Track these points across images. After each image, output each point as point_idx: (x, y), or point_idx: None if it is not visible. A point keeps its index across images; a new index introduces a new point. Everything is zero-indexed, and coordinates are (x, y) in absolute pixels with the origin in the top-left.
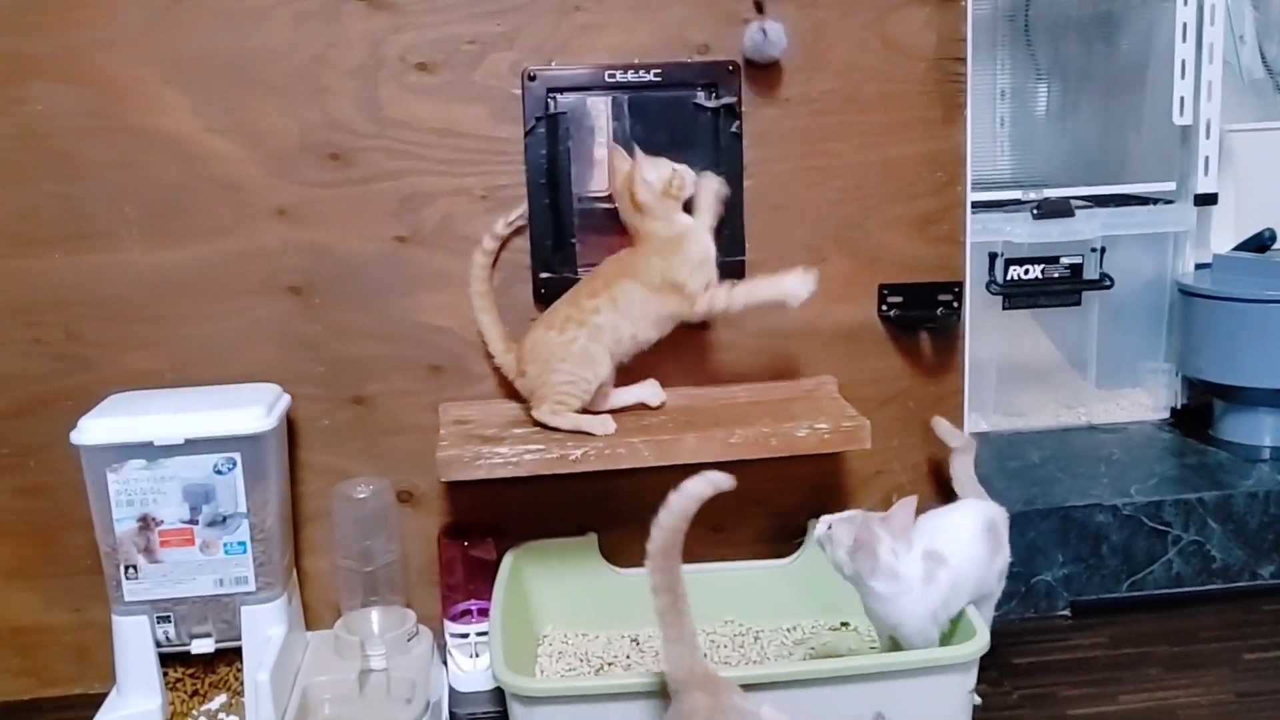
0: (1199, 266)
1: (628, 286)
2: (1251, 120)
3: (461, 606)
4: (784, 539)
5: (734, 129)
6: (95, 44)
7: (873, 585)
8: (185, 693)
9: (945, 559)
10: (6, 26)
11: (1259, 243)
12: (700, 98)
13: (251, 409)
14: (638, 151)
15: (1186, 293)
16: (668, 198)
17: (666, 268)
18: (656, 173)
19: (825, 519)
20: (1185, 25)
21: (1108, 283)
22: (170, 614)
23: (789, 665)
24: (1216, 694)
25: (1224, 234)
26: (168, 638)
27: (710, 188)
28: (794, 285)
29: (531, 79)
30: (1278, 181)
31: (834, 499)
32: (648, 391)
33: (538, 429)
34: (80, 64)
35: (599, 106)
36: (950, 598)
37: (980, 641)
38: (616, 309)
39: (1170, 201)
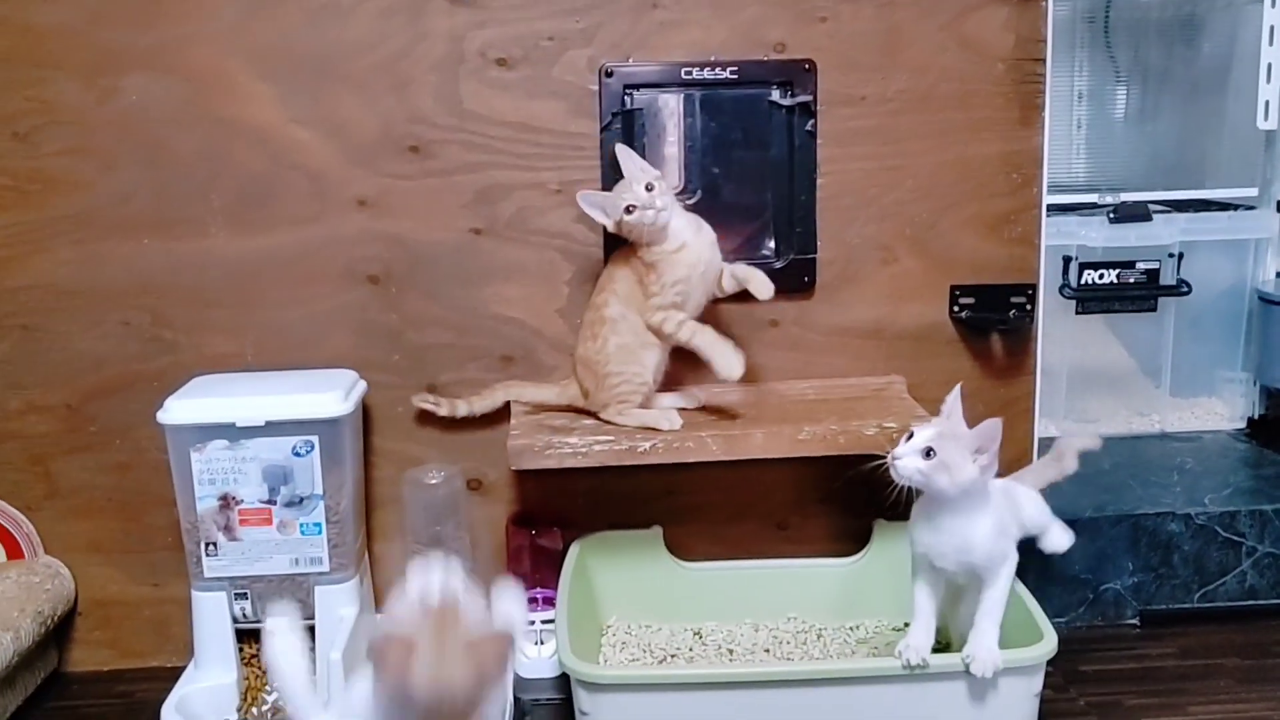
0: None
1: (623, 275)
2: None
3: (529, 595)
4: (849, 538)
5: (809, 127)
6: (188, 38)
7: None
8: (259, 669)
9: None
10: (105, 21)
11: None
12: (775, 95)
13: (330, 394)
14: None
15: (1266, 300)
16: (626, 231)
17: (645, 273)
18: (611, 201)
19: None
20: (1272, 28)
21: (1185, 289)
22: (247, 591)
23: (856, 662)
24: None
25: None
26: (244, 614)
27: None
28: (727, 363)
29: (609, 75)
30: None
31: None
32: (690, 396)
33: (607, 424)
34: (173, 57)
35: (672, 104)
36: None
37: (1049, 644)
38: (620, 299)
39: (1252, 208)
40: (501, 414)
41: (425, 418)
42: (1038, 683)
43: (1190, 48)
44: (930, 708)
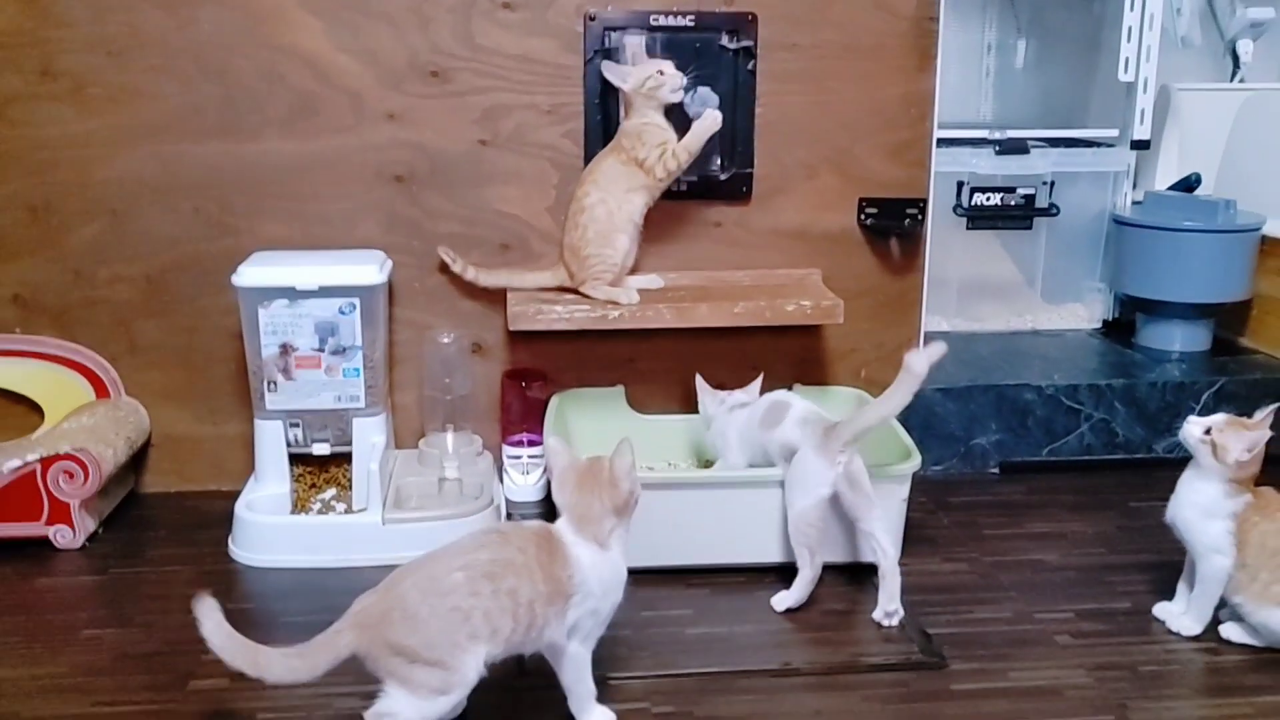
0: (1135, 203)
1: (606, 165)
2: (1198, 81)
3: (517, 436)
4: None
5: (750, 68)
6: None
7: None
8: (306, 485)
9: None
10: None
11: (1187, 184)
12: (724, 40)
13: (367, 266)
14: (643, 55)
15: (1121, 223)
16: (640, 95)
17: (632, 148)
18: (639, 72)
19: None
20: None
21: (1055, 211)
22: (299, 421)
23: (761, 472)
24: (1101, 526)
25: (1167, 177)
26: (296, 440)
27: (712, 117)
28: (713, 119)
29: (592, 19)
30: (1215, 134)
31: (816, 369)
32: (652, 279)
33: (585, 298)
34: None
35: (639, 46)
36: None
37: (915, 461)
38: (599, 187)
39: (1113, 145)
40: (498, 294)
41: (438, 292)
42: (904, 490)
43: (1079, 8)
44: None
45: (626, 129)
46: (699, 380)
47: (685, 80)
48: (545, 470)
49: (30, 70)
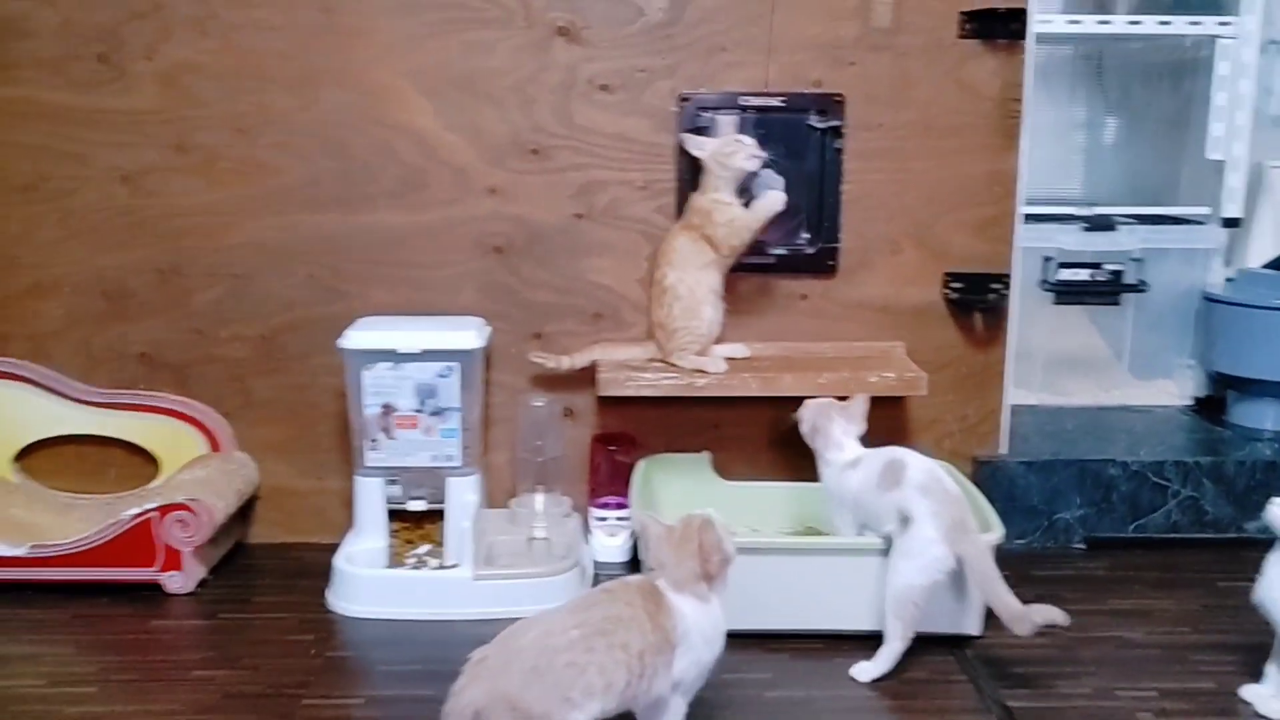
0: (1228, 280)
1: (679, 244)
2: None
3: (604, 499)
4: None
5: (836, 146)
6: (366, 61)
7: (825, 456)
8: (402, 540)
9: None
10: (309, 46)
11: None
12: (812, 120)
13: (467, 332)
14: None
15: (1211, 300)
16: (715, 163)
17: (701, 225)
18: (715, 143)
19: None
20: (1222, 77)
21: (1144, 287)
22: (397, 479)
23: (846, 540)
24: (1187, 604)
25: (1261, 254)
26: (394, 496)
27: (774, 198)
28: (775, 198)
29: (685, 100)
30: None
31: (899, 440)
32: (738, 348)
33: (673, 367)
34: (354, 75)
35: (732, 125)
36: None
37: (998, 532)
38: (675, 266)
39: (1203, 223)
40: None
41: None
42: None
43: (1166, 87)
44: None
45: (696, 205)
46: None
47: (759, 151)
48: (632, 535)
49: (166, 145)
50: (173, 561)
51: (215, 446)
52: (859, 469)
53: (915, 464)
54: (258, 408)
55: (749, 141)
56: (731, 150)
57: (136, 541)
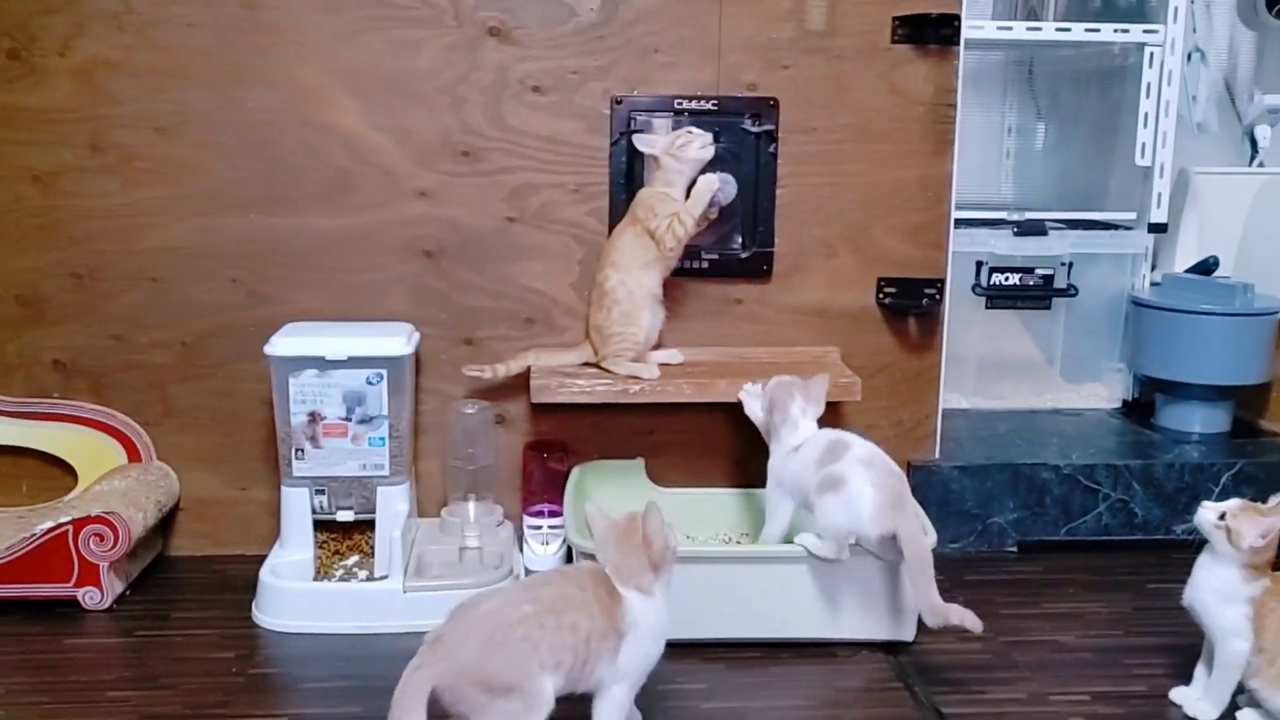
0: (1154, 285)
1: (623, 242)
2: (1217, 165)
3: (538, 507)
4: None
5: (771, 150)
6: (294, 60)
7: (779, 435)
8: (329, 551)
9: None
10: (232, 43)
11: (1205, 267)
12: (747, 124)
13: (395, 339)
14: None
15: (1139, 304)
16: (669, 156)
17: (645, 218)
18: (666, 139)
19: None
20: (1149, 85)
21: (1073, 292)
22: (324, 489)
23: (779, 548)
24: (1118, 607)
25: (1186, 259)
26: (321, 506)
27: (705, 180)
28: (706, 184)
29: (618, 103)
30: (1233, 217)
31: None
32: (672, 354)
33: (607, 372)
34: (282, 74)
35: (666, 127)
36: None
37: (931, 540)
38: (618, 268)
39: (1130, 228)
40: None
41: (464, 363)
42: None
43: (1095, 94)
44: (835, 584)
45: (642, 198)
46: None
47: (710, 139)
48: (565, 540)
49: (80, 144)
50: (89, 577)
51: (134, 456)
52: (802, 449)
53: (859, 443)
54: (179, 416)
55: (700, 132)
56: (684, 142)
57: (51, 556)
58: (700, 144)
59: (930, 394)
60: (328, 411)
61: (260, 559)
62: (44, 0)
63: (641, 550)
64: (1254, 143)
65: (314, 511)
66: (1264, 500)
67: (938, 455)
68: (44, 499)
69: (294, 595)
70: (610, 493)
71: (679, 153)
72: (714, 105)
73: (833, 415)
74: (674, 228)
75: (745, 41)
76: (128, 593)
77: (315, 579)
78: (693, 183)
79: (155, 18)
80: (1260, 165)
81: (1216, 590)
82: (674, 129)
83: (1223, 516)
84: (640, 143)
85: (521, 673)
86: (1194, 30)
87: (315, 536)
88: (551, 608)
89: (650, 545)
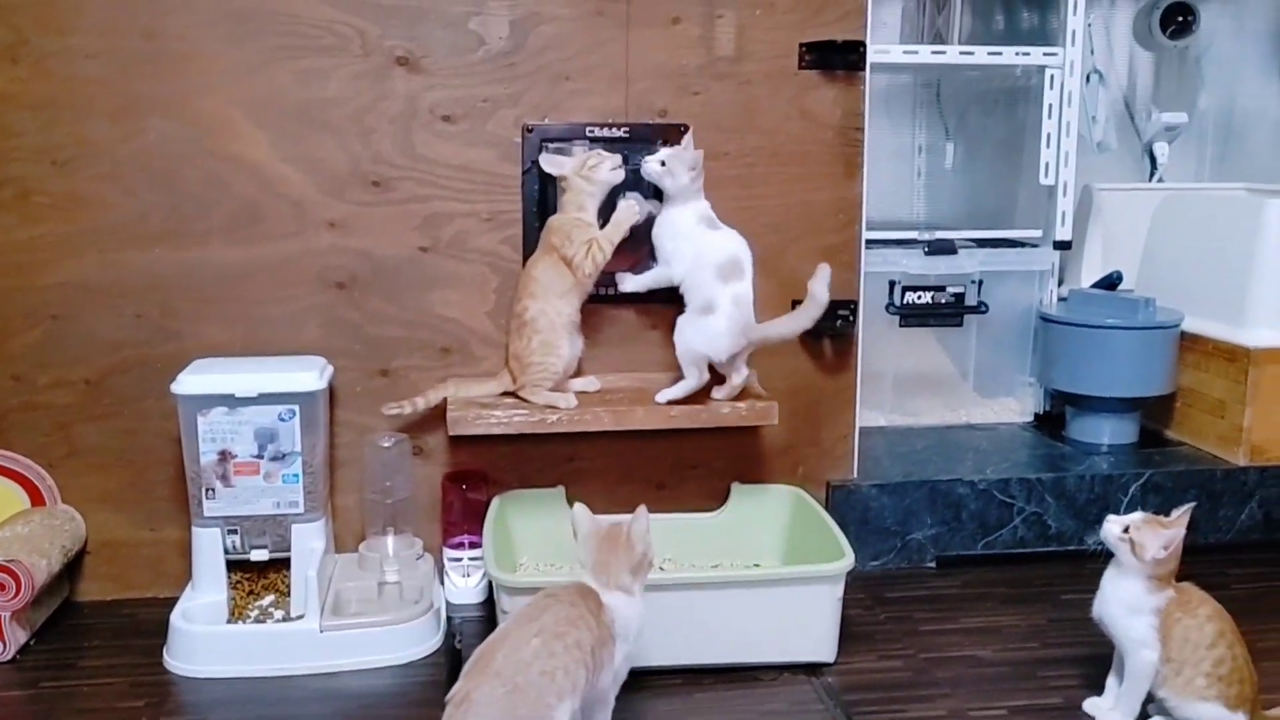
0: (1061, 300)
1: (539, 271)
2: (1119, 181)
3: (458, 539)
4: (712, 497)
5: None
6: (198, 90)
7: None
8: (243, 592)
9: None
10: (132, 74)
11: (1109, 281)
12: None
13: (308, 373)
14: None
15: (1047, 320)
16: (579, 178)
17: (561, 246)
18: (577, 157)
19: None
20: (1050, 105)
21: (984, 309)
22: (237, 528)
23: (699, 574)
24: (1034, 619)
25: (1092, 274)
26: (234, 546)
27: (625, 207)
28: (626, 209)
29: (529, 131)
30: (1135, 232)
31: (753, 466)
32: (589, 382)
33: (525, 402)
34: (185, 105)
35: (579, 153)
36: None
37: (848, 560)
38: (536, 298)
39: (1036, 245)
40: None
41: (379, 395)
42: (839, 589)
43: (1002, 114)
44: (756, 608)
45: (555, 225)
46: None
47: (620, 161)
48: (485, 573)
49: None
50: None
51: (37, 500)
52: (721, 232)
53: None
54: (84, 456)
55: (610, 155)
56: (595, 163)
57: None
58: (611, 165)
59: (847, 414)
60: (239, 449)
61: (172, 601)
62: None
63: (624, 553)
64: (1153, 159)
65: (227, 552)
66: (1170, 510)
67: (856, 474)
68: None
69: (206, 639)
70: (531, 522)
71: (590, 174)
72: (626, 132)
73: (752, 438)
74: (593, 254)
75: (656, 68)
76: (32, 642)
77: (229, 621)
78: (606, 206)
79: (51, 49)
80: (1160, 181)
81: (1123, 602)
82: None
83: (1126, 529)
84: (548, 164)
85: (544, 708)
86: (1092, 52)
87: (228, 577)
88: (555, 632)
89: (634, 548)
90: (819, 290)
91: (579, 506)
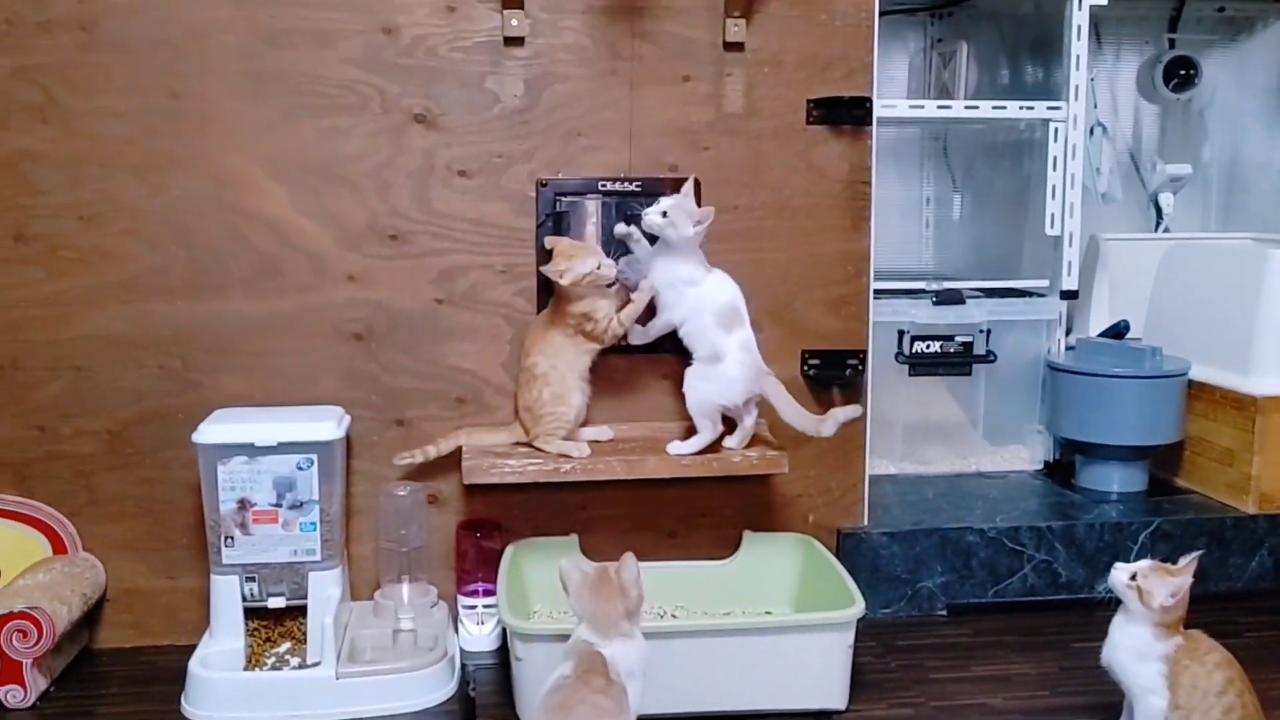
0: (1068, 349)
1: (551, 336)
2: (1125, 231)
3: (472, 586)
4: (724, 544)
5: None
6: (220, 148)
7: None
8: (261, 639)
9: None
10: (157, 133)
11: (1116, 330)
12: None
13: (325, 423)
14: (570, 244)
15: (1054, 368)
16: (591, 286)
17: (579, 325)
18: (578, 268)
19: None
20: (1055, 158)
21: (992, 358)
22: (255, 576)
23: (711, 621)
24: (1044, 667)
25: (1099, 323)
26: (251, 594)
27: (645, 287)
28: (646, 291)
29: (543, 185)
30: (1141, 281)
31: (764, 514)
32: (602, 431)
33: (539, 451)
34: (208, 162)
35: (591, 208)
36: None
37: (859, 607)
38: (547, 356)
39: (1044, 295)
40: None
41: (395, 445)
42: (849, 637)
43: (1008, 166)
44: (767, 655)
45: (573, 311)
46: None
47: (616, 265)
48: (499, 620)
49: (3, 235)
50: (12, 674)
51: (59, 548)
52: (714, 277)
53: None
54: (105, 505)
55: (605, 260)
56: (593, 276)
57: None
58: (609, 276)
59: (856, 462)
60: (258, 498)
61: (190, 649)
62: None
63: (618, 599)
64: (1159, 209)
65: (244, 599)
66: (1180, 558)
67: (866, 522)
68: None
69: (224, 686)
70: (545, 570)
71: (595, 283)
72: (637, 186)
73: (763, 486)
74: (614, 328)
75: (666, 124)
76: (52, 689)
77: (246, 668)
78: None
79: (79, 109)
80: (1165, 231)
81: (1131, 649)
82: (601, 208)
83: (1134, 577)
84: (549, 272)
85: None
86: (1095, 106)
87: (246, 624)
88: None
89: (627, 594)
90: (836, 420)
91: (564, 562)
